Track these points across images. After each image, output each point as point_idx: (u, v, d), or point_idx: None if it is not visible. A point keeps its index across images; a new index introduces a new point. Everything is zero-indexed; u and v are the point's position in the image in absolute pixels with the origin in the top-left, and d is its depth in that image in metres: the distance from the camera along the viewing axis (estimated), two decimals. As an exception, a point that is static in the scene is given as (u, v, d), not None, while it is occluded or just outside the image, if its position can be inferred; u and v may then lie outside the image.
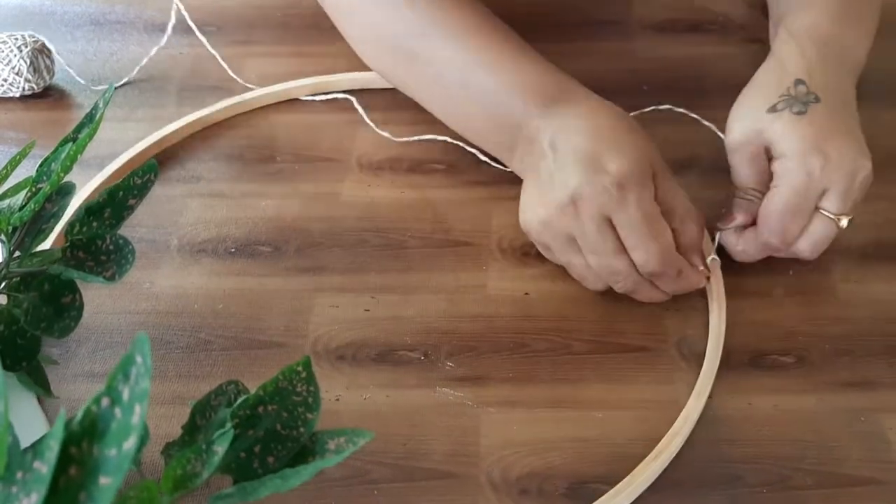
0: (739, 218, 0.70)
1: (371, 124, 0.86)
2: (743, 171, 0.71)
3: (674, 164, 0.80)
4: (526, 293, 0.72)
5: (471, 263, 0.74)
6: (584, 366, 0.67)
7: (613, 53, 0.95)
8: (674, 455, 0.61)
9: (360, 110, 0.86)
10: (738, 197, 0.71)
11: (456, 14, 0.75)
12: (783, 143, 0.68)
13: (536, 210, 0.68)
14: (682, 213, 0.67)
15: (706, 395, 0.64)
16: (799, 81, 0.70)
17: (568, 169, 0.66)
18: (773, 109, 0.69)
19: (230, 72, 0.92)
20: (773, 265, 0.72)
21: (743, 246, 0.70)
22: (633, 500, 0.59)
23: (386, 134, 0.84)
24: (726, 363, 0.66)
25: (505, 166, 0.78)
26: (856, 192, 0.67)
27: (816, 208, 0.67)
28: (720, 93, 0.82)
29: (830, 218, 0.67)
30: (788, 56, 0.73)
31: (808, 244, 0.68)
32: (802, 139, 0.67)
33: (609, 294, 0.69)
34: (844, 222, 0.67)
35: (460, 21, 0.75)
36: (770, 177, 0.69)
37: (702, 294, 0.70)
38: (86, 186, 0.78)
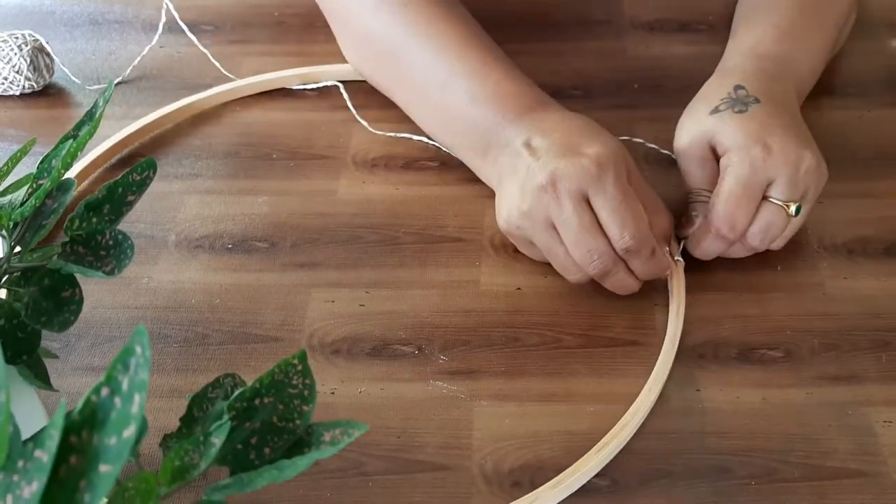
0: (698, 220, 0.71)
1: (358, 117, 0.86)
2: (694, 173, 0.73)
3: (662, 162, 0.81)
4: (518, 288, 0.72)
5: (464, 259, 0.75)
6: (574, 360, 0.67)
7: (604, 52, 0.96)
8: (618, 450, 0.62)
9: (346, 97, 0.87)
10: (693, 200, 0.72)
11: (442, 24, 0.78)
12: (727, 138, 0.70)
13: (515, 203, 0.69)
14: (652, 207, 0.69)
15: (657, 391, 0.64)
16: (738, 87, 0.73)
17: (546, 157, 0.67)
18: (715, 111, 0.72)
19: (222, 69, 0.93)
20: (762, 261, 0.73)
21: (697, 242, 0.71)
22: (573, 491, 0.60)
23: (379, 132, 0.85)
24: (715, 357, 0.67)
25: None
26: (802, 182, 0.68)
27: (765, 198, 0.68)
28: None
29: (778, 204, 0.68)
30: (730, 69, 0.76)
31: (757, 229, 0.69)
32: (745, 133, 0.69)
33: (599, 289, 0.70)
34: (793, 209, 0.68)
35: (445, 31, 0.78)
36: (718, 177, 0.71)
37: (692, 290, 0.71)
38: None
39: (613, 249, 0.67)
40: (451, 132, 0.79)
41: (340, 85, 0.86)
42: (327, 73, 0.91)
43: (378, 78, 0.85)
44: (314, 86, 0.91)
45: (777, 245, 0.71)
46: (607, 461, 0.61)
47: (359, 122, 0.86)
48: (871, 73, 0.91)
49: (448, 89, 0.76)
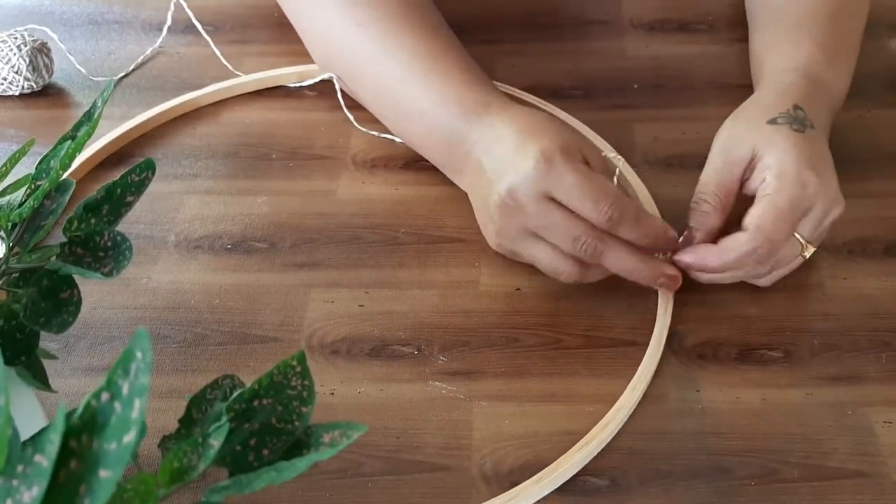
0: (699, 234, 0.69)
1: (350, 118, 0.86)
2: (718, 171, 0.70)
3: (661, 162, 0.81)
4: (517, 289, 0.72)
5: (463, 259, 0.75)
6: (574, 360, 0.67)
7: (604, 52, 0.96)
8: (600, 449, 0.62)
9: (340, 98, 0.87)
10: (694, 209, 0.70)
11: (402, 39, 0.77)
12: (780, 153, 0.67)
13: (489, 225, 0.70)
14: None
15: (642, 389, 0.64)
16: (798, 107, 0.71)
17: (497, 174, 0.67)
18: (773, 122, 0.69)
19: (230, 67, 0.93)
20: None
21: (718, 259, 0.68)
22: (553, 489, 0.60)
23: (373, 132, 0.84)
24: (714, 357, 0.67)
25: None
26: (825, 227, 0.68)
27: None
28: (708, 91, 0.84)
29: (799, 241, 0.68)
30: (788, 85, 0.74)
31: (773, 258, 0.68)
32: (800, 153, 0.67)
33: (599, 289, 0.70)
34: (808, 253, 0.68)
35: (403, 41, 0.77)
36: (735, 188, 0.69)
37: (691, 290, 0.71)
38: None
39: (598, 230, 0.65)
40: (421, 147, 0.79)
41: (335, 77, 0.86)
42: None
43: (347, 88, 0.85)
44: (310, 81, 0.91)
45: (765, 282, 0.70)
46: (589, 458, 0.61)
47: (358, 124, 0.86)
48: (871, 73, 0.91)
49: (400, 104, 0.77)
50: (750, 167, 0.69)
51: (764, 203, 0.66)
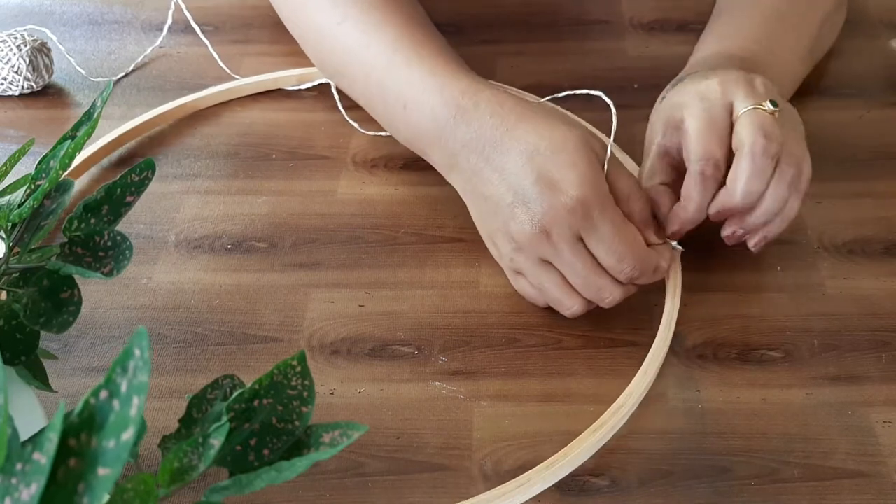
0: (664, 207, 0.69)
1: (347, 118, 0.86)
2: (646, 164, 0.72)
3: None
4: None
5: (464, 259, 0.75)
6: (574, 360, 0.67)
7: (604, 52, 0.96)
8: (598, 447, 0.61)
9: (337, 98, 0.87)
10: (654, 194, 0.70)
11: (384, 31, 0.76)
12: (678, 100, 0.70)
13: (503, 244, 0.68)
14: (626, 194, 0.66)
15: (647, 385, 0.64)
16: (692, 67, 0.73)
17: (524, 193, 0.65)
18: (661, 99, 0.72)
19: (227, 69, 0.93)
20: (762, 261, 0.73)
21: (692, 206, 0.67)
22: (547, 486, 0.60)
23: (370, 132, 0.84)
24: (715, 357, 0.67)
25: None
26: (761, 87, 0.68)
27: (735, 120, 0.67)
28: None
29: (751, 109, 0.66)
30: (691, 65, 0.77)
31: (749, 134, 0.65)
32: (699, 78, 0.69)
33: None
34: (768, 105, 0.66)
35: (385, 35, 0.75)
36: (664, 152, 0.71)
37: (691, 290, 0.71)
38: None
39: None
40: (408, 140, 0.76)
41: (332, 83, 0.86)
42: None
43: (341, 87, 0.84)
44: (308, 85, 0.91)
45: (795, 204, 0.68)
46: (599, 446, 0.61)
47: (353, 122, 0.86)
48: (871, 73, 0.91)
49: (387, 99, 0.75)
50: (669, 142, 0.70)
51: (684, 135, 0.68)
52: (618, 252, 0.64)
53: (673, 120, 0.70)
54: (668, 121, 0.70)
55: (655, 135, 0.71)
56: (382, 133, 0.83)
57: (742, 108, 0.66)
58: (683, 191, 0.67)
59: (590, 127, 0.82)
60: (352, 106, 0.84)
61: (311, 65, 0.87)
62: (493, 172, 0.67)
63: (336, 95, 0.86)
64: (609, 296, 0.66)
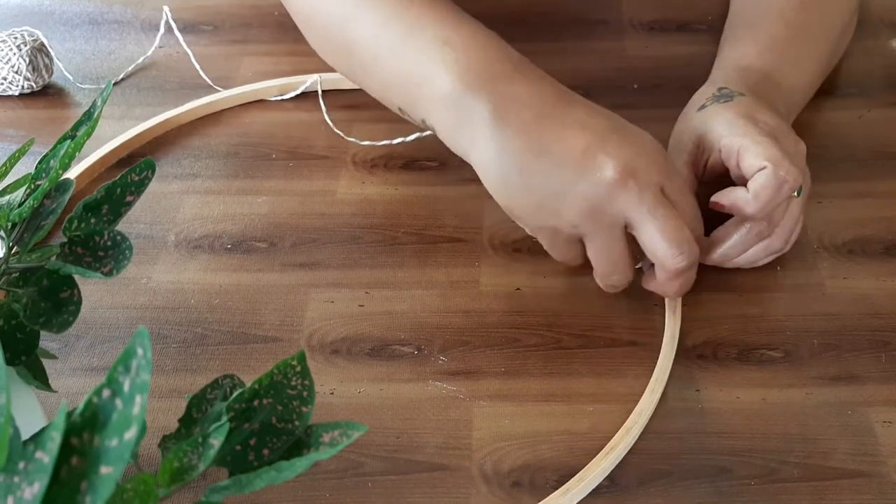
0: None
1: (329, 122, 0.87)
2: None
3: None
4: (517, 289, 0.72)
5: (463, 259, 0.75)
6: (574, 360, 0.67)
7: (603, 52, 0.96)
8: (625, 453, 0.61)
9: (322, 104, 0.87)
10: None
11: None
12: (715, 126, 0.70)
13: (570, 201, 0.62)
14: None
15: (660, 392, 0.64)
16: (721, 88, 0.73)
17: (604, 139, 0.62)
18: (701, 108, 0.72)
19: (202, 73, 0.93)
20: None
21: (754, 199, 0.66)
22: (584, 495, 0.60)
23: (351, 139, 0.85)
24: (715, 357, 0.67)
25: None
26: (796, 161, 0.67)
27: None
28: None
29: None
30: (713, 79, 0.76)
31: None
32: (734, 113, 0.69)
33: (598, 290, 0.70)
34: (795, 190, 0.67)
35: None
36: (688, 172, 0.71)
37: (691, 290, 0.70)
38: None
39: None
40: (422, 108, 0.69)
41: (319, 91, 0.86)
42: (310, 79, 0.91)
43: (346, 71, 0.79)
44: (293, 94, 0.91)
45: (778, 243, 0.70)
46: (615, 465, 0.61)
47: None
48: (871, 73, 0.91)
49: (409, 41, 0.68)
50: (699, 151, 0.71)
51: (749, 148, 0.66)
52: (673, 240, 0.62)
53: (692, 146, 0.71)
54: (689, 142, 0.71)
55: (687, 145, 0.72)
56: (380, 143, 0.83)
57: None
58: (721, 231, 0.69)
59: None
60: (344, 107, 0.84)
61: (314, 63, 0.87)
62: (561, 122, 0.63)
63: (322, 104, 0.86)
64: (687, 251, 0.63)
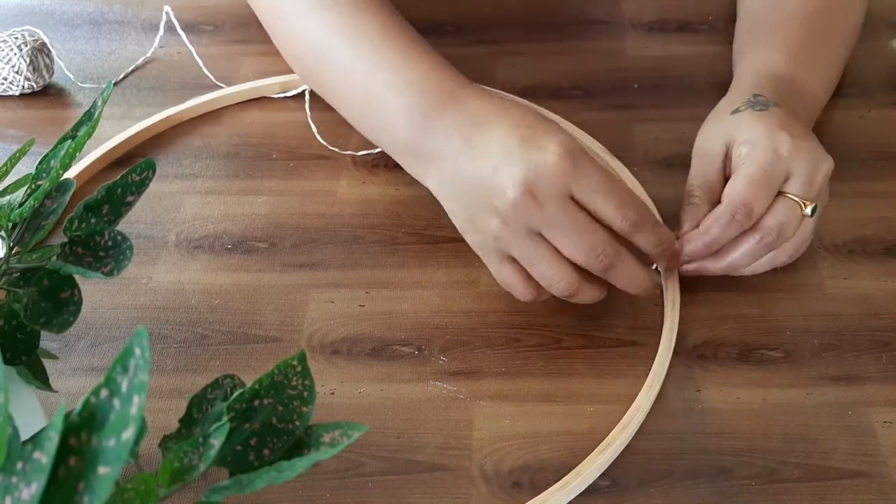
0: (686, 224, 0.69)
1: (313, 126, 0.87)
2: (699, 168, 0.72)
3: (661, 162, 0.81)
4: (518, 289, 0.72)
5: (464, 259, 0.74)
6: (574, 360, 0.67)
7: (604, 52, 0.96)
8: (622, 449, 0.62)
9: (307, 107, 0.87)
10: (685, 204, 0.70)
11: (361, 23, 0.73)
12: (747, 131, 0.69)
13: (486, 219, 0.64)
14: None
15: (657, 389, 0.64)
16: (756, 94, 0.73)
17: (501, 167, 0.63)
18: (735, 111, 0.71)
19: (205, 70, 0.93)
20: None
21: (705, 234, 0.67)
22: (579, 492, 0.60)
23: (333, 148, 0.84)
24: (715, 357, 0.67)
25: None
26: (819, 183, 0.68)
27: (780, 193, 0.67)
28: (708, 91, 0.84)
29: (794, 201, 0.67)
30: (748, 84, 0.76)
31: (773, 222, 0.66)
32: (767, 124, 0.69)
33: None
34: (809, 209, 0.67)
35: (366, 27, 0.73)
36: (718, 179, 0.71)
37: (691, 290, 0.71)
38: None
39: (615, 238, 0.63)
40: (380, 128, 0.73)
41: (306, 92, 0.86)
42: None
43: (311, 82, 0.82)
44: (294, 91, 0.91)
45: (784, 257, 0.69)
46: (611, 461, 0.61)
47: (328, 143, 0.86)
48: (871, 73, 0.91)
49: (370, 85, 0.71)
50: (728, 157, 0.71)
51: (738, 172, 0.67)
52: (617, 197, 0.62)
53: (722, 148, 0.71)
54: (721, 144, 0.71)
55: (719, 146, 0.71)
56: (374, 150, 0.83)
57: (791, 189, 0.67)
58: (706, 220, 0.67)
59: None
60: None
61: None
62: (474, 149, 0.65)
63: (308, 109, 0.86)
64: (603, 253, 0.62)
